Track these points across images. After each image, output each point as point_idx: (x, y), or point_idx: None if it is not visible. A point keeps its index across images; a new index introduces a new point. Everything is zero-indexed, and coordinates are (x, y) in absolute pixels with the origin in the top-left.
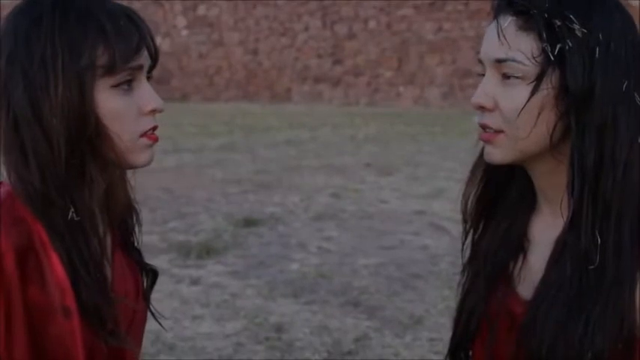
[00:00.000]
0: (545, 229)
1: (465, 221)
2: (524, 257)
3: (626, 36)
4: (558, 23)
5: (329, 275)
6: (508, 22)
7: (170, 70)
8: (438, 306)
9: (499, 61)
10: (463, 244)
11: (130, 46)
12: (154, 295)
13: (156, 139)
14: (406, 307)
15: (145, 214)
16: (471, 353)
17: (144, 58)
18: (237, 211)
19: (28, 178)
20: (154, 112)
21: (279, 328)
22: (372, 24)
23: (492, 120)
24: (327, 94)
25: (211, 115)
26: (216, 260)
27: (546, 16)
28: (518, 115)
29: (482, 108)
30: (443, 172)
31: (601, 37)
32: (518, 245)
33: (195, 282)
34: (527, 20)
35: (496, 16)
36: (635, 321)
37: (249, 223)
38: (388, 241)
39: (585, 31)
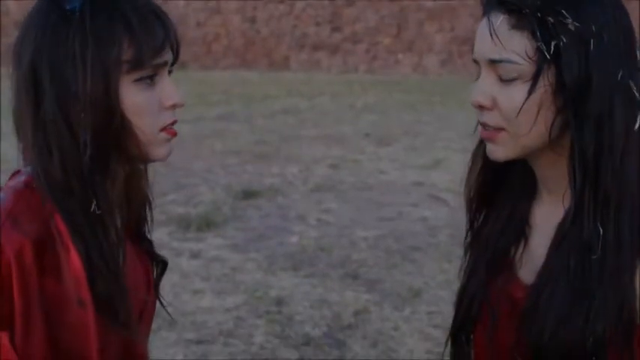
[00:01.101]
0: (547, 215)
1: (468, 208)
2: (526, 243)
3: (618, 25)
4: (551, 20)
5: (328, 248)
6: (500, 20)
7: None
8: (437, 278)
9: (494, 62)
10: (467, 230)
11: (155, 43)
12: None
13: (175, 134)
14: (405, 279)
15: None
16: (472, 337)
17: (168, 55)
18: (236, 183)
19: (51, 170)
20: (174, 106)
21: (279, 302)
22: None
23: (492, 118)
24: (325, 61)
25: (209, 84)
26: (216, 233)
27: (539, 14)
28: (517, 114)
29: (481, 107)
30: (441, 143)
31: (594, 29)
32: (520, 231)
33: (195, 255)
34: (520, 19)
35: (487, 14)
36: (635, 308)
37: (249, 195)
38: (387, 212)
39: (578, 24)
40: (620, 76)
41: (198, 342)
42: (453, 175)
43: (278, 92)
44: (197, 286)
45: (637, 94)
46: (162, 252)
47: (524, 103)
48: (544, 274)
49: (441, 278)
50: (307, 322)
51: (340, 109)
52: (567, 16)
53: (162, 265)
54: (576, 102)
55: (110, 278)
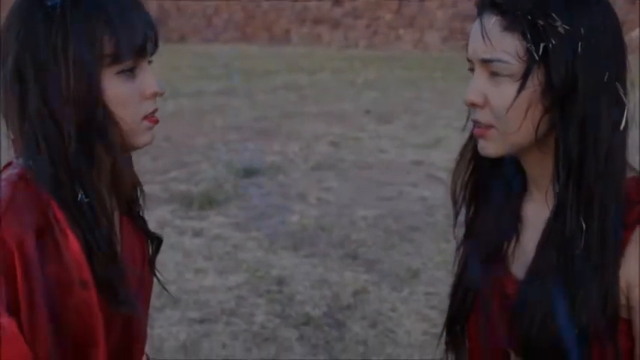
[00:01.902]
0: (537, 211)
1: (455, 202)
2: (518, 238)
3: (607, 29)
4: (541, 23)
5: (328, 227)
6: (493, 21)
7: (168, 11)
8: (435, 259)
9: (486, 61)
10: (454, 224)
11: (135, 36)
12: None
13: (157, 121)
14: (403, 260)
15: (146, 163)
16: (466, 327)
17: (147, 46)
18: (237, 160)
19: (40, 161)
20: (155, 95)
21: (279, 282)
22: None
23: (483, 116)
24: (326, 36)
25: (209, 58)
26: (218, 211)
27: (529, 17)
28: (507, 112)
29: (473, 105)
30: (441, 121)
31: (583, 32)
32: (512, 226)
33: (197, 234)
34: (512, 21)
35: (480, 15)
36: (618, 302)
37: (250, 172)
38: (386, 192)
39: (567, 27)
40: (606, 78)
41: (201, 321)
42: (452, 154)
43: (279, 67)
44: (200, 264)
45: (623, 97)
46: (166, 230)
47: (513, 101)
48: (533, 270)
49: (439, 259)
50: (307, 302)
51: (341, 85)
52: (557, 19)
53: (157, 241)
54: (563, 102)
55: (107, 260)
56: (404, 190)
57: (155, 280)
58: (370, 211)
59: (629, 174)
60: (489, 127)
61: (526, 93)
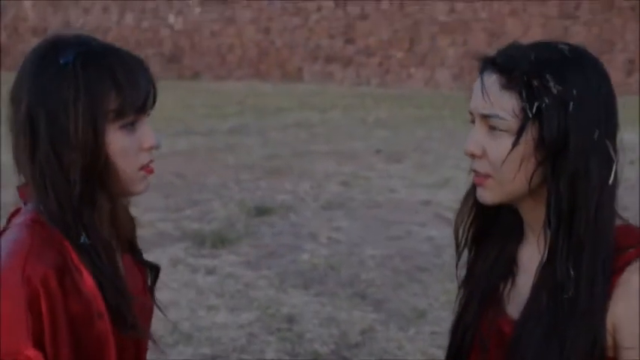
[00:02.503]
0: (532, 255)
1: (457, 245)
2: (514, 281)
3: (599, 91)
4: (536, 83)
5: (338, 267)
6: (492, 79)
7: (182, 48)
8: (440, 299)
9: (485, 116)
10: (457, 265)
11: (139, 94)
12: (172, 285)
13: (152, 171)
14: (410, 300)
15: (159, 201)
16: None
17: (148, 103)
18: (249, 199)
19: (48, 205)
20: (152, 148)
21: (290, 320)
22: (384, 4)
23: (481, 166)
24: (338, 74)
25: (223, 95)
26: (230, 250)
27: (525, 78)
28: (502, 163)
29: (472, 155)
30: (450, 160)
31: (575, 93)
32: (508, 269)
33: (210, 272)
34: (510, 80)
35: (482, 73)
36: (605, 345)
37: (261, 211)
38: (395, 231)
39: (560, 88)
40: (596, 136)
41: (213, 357)
42: (459, 194)
43: (291, 104)
44: (212, 302)
45: (613, 154)
46: (179, 268)
47: (508, 154)
48: (527, 311)
49: (445, 299)
50: (316, 339)
51: (352, 123)
52: (550, 80)
53: (155, 270)
54: (555, 157)
55: (116, 291)
56: (412, 229)
57: (166, 319)
58: (379, 250)
59: (617, 222)
60: (487, 176)
61: (520, 147)
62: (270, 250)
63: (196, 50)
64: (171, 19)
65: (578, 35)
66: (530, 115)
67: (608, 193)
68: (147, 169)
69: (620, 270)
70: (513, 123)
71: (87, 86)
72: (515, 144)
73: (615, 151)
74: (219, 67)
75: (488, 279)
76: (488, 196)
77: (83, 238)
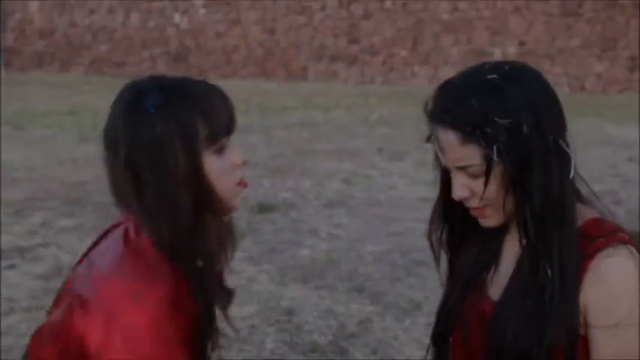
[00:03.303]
0: (513, 243)
1: (434, 251)
2: (497, 267)
3: (542, 99)
4: (489, 130)
5: (337, 261)
6: (450, 137)
7: (188, 48)
8: (437, 292)
9: (461, 168)
10: (437, 269)
11: (223, 118)
12: None
13: (246, 185)
14: (407, 292)
15: None
16: (450, 343)
17: (232, 126)
18: (252, 197)
19: (162, 238)
20: (243, 165)
21: (289, 312)
22: (387, 3)
23: (474, 202)
24: (342, 72)
25: (228, 94)
26: None
27: (478, 131)
28: (490, 196)
29: (463, 198)
30: None
31: (524, 115)
32: (492, 259)
33: None
34: (465, 135)
35: (435, 128)
36: (578, 322)
37: (264, 209)
38: (395, 227)
39: (511, 119)
40: (551, 141)
41: None
42: None
43: (295, 103)
44: None
45: (567, 150)
46: None
47: (483, 192)
48: (507, 293)
49: (441, 292)
50: (315, 330)
51: (355, 122)
52: (499, 119)
53: (228, 296)
54: (522, 178)
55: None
56: (411, 226)
57: None
58: (378, 246)
59: (590, 214)
60: (484, 207)
61: (498, 179)
62: (271, 245)
63: (202, 50)
64: (177, 18)
65: (581, 33)
66: (495, 158)
67: (569, 185)
68: (241, 184)
69: (590, 257)
70: (484, 166)
71: (177, 122)
72: (486, 184)
73: (568, 145)
74: (225, 66)
75: (473, 269)
76: (490, 222)
77: (199, 262)
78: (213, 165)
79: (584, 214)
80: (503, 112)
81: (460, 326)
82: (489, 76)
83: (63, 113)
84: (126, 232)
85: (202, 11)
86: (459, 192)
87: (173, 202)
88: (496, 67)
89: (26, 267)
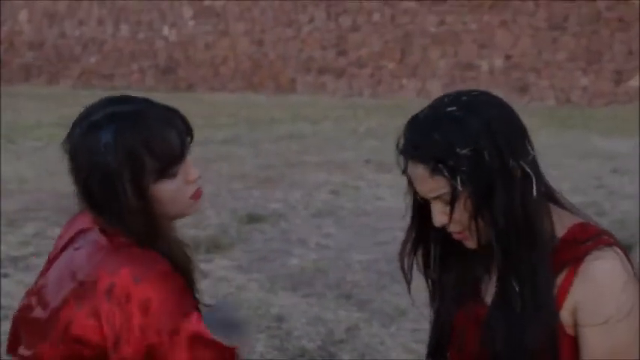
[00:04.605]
0: None
1: (405, 274)
2: (490, 274)
3: (502, 125)
4: (451, 163)
5: (325, 270)
6: (421, 170)
7: (177, 60)
8: (422, 298)
9: (435, 198)
10: (409, 291)
11: (173, 150)
12: None
13: (200, 195)
14: (393, 300)
15: None
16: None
17: (184, 151)
18: (242, 207)
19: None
20: (196, 179)
21: (279, 319)
22: (375, 16)
23: (454, 227)
24: (330, 85)
25: (217, 107)
26: (223, 255)
27: (441, 164)
28: (466, 221)
29: (444, 225)
30: None
31: (485, 143)
32: (485, 268)
33: (204, 275)
34: (432, 169)
35: (406, 160)
36: (557, 328)
37: (253, 219)
38: (382, 237)
39: (472, 148)
40: (511, 163)
41: None
42: None
43: (283, 116)
44: (206, 303)
45: (529, 171)
46: None
47: (450, 220)
48: (496, 299)
49: (425, 297)
50: (304, 336)
51: (343, 134)
52: (461, 150)
53: None
54: (486, 203)
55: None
56: (398, 235)
57: None
58: (365, 255)
59: (574, 220)
60: (463, 230)
61: (462, 208)
62: (261, 255)
63: (191, 62)
64: (166, 31)
65: (567, 46)
66: (460, 188)
67: (534, 205)
68: (196, 195)
69: (579, 260)
70: (451, 195)
71: (126, 157)
72: (451, 213)
73: (535, 165)
74: (213, 79)
75: (465, 281)
76: (472, 244)
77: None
78: (166, 189)
79: (568, 221)
80: (463, 142)
81: (456, 335)
82: (449, 109)
83: (52, 125)
84: (103, 231)
85: (191, 23)
86: (438, 219)
87: (125, 223)
88: (455, 98)
89: (19, 276)
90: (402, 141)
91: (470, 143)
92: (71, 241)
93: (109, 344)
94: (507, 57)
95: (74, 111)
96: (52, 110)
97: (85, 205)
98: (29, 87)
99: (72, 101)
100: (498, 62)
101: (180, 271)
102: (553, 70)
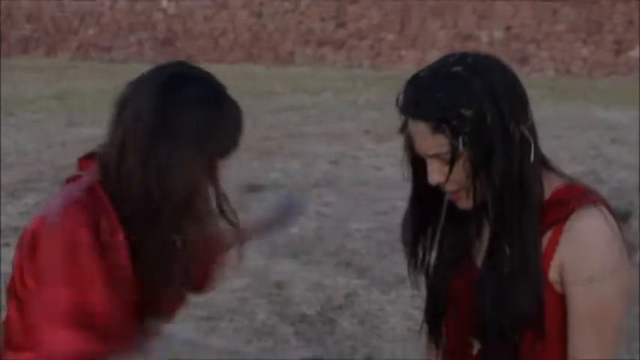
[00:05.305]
0: None
1: (407, 244)
2: (480, 239)
3: (505, 88)
4: (454, 122)
5: (325, 238)
6: (422, 128)
7: (175, 33)
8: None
9: (432, 155)
10: (414, 267)
11: (236, 145)
12: None
13: None
14: (392, 268)
15: None
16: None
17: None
18: (242, 178)
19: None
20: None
21: (279, 285)
22: None
23: (450, 186)
24: (330, 57)
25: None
26: (223, 224)
27: (444, 123)
28: (463, 180)
29: (439, 183)
30: None
31: (488, 106)
32: (476, 232)
33: None
34: (434, 127)
35: (407, 118)
36: (543, 289)
37: (254, 188)
38: (381, 206)
39: (475, 110)
40: (512, 127)
41: (208, 318)
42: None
43: (283, 88)
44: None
45: (528, 136)
46: None
47: (447, 178)
48: (486, 262)
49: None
50: (303, 302)
51: (342, 105)
52: (464, 111)
53: None
54: (485, 165)
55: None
56: (397, 204)
57: None
58: (364, 224)
59: (560, 181)
60: (458, 190)
61: (461, 168)
62: None
63: (189, 34)
64: (164, 3)
65: (567, 17)
66: (461, 148)
67: (530, 170)
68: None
69: (565, 219)
70: (450, 154)
71: (205, 129)
72: (450, 171)
73: (533, 130)
74: (212, 51)
75: (459, 245)
76: (465, 204)
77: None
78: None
79: (555, 182)
80: (467, 103)
81: (452, 299)
82: (454, 69)
83: (51, 98)
84: (91, 185)
85: None
86: (435, 177)
87: (166, 185)
88: (460, 59)
89: None
90: (401, 98)
91: (474, 105)
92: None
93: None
94: (507, 28)
95: (73, 83)
96: (51, 83)
97: (120, 160)
98: (28, 59)
99: (71, 74)
100: (498, 33)
101: (142, 274)
102: (553, 41)
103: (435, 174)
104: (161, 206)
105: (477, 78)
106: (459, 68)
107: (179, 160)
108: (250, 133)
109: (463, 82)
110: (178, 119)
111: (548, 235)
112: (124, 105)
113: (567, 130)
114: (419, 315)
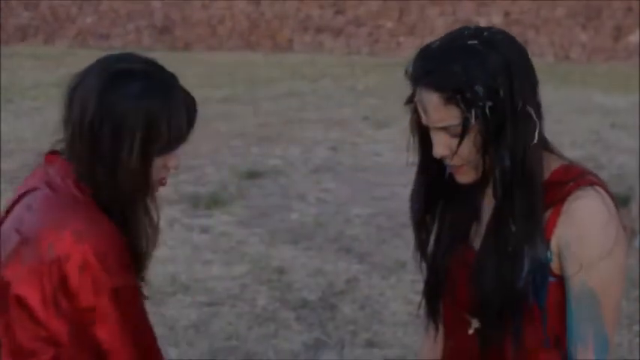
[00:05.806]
0: (490, 198)
1: (421, 223)
2: (479, 221)
3: (518, 65)
4: (469, 95)
5: (325, 224)
6: (434, 98)
7: (173, 20)
8: None
9: (440, 128)
10: (421, 246)
11: (184, 133)
12: (170, 243)
13: (165, 184)
14: (392, 253)
15: None
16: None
17: (188, 138)
18: (241, 164)
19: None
20: (174, 168)
21: (279, 271)
22: None
23: (456, 161)
24: (328, 44)
25: (214, 66)
26: (223, 210)
27: (459, 95)
28: (468, 155)
29: (444, 156)
30: None
31: (502, 81)
32: (474, 213)
33: (205, 230)
34: (447, 98)
35: (419, 87)
36: (545, 268)
37: (253, 175)
38: (380, 192)
39: (488, 85)
40: (520, 106)
41: (209, 304)
42: None
43: (282, 75)
44: (207, 257)
45: (535, 117)
46: (176, 227)
47: (456, 151)
48: (485, 242)
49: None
50: (304, 288)
51: (342, 92)
52: (479, 85)
53: None
54: (495, 140)
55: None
56: (396, 190)
57: (166, 269)
58: (365, 209)
59: (559, 162)
60: (461, 165)
61: (471, 142)
62: (261, 210)
63: (187, 22)
64: None
65: (566, 2)
66: (473, 121)
67: (534, 149)
68: (162, 182)
69: (562, 200)
70: (460, 127)
71: (146, 120)
72: (460, 144)
73: (539, 111)
74: (211, 38)
75: (458, 225)
76: (466, 179)
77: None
78: (155, 164)
79: (554, 164)
80: (482, 77)
81: (449, 279)
82: (470, 42)
83: (50, 85)
84: (76, 183)
85: None
86: (439, 150)
87: (116, 179)
88: (476, 32)
89: None
90: (413, 68)
91: (489, 79)
92: (20, 198)
93: (46, 305)
94: (506, 14)
95: (72, 71)
96: (50, 70)
97: (73, 151)
98: (26, 47)
99: (70, 61)
100: (497, 19)
101: (132, 247)
102: (552, 27)
103: (441, 147)
104: (114, 198)
105: (493, 53)
106: (474, 42)
107: (123, 155)
108: (249, 120)
109: (480, 55)
110: (120, 114)
111: (547, 215)
112: (72, 99)
113: (567, 115)
114: (419, 299)
